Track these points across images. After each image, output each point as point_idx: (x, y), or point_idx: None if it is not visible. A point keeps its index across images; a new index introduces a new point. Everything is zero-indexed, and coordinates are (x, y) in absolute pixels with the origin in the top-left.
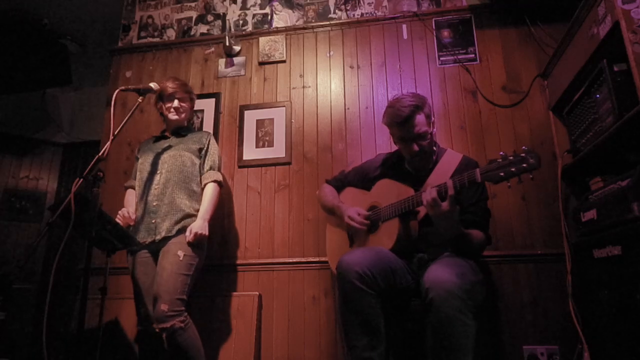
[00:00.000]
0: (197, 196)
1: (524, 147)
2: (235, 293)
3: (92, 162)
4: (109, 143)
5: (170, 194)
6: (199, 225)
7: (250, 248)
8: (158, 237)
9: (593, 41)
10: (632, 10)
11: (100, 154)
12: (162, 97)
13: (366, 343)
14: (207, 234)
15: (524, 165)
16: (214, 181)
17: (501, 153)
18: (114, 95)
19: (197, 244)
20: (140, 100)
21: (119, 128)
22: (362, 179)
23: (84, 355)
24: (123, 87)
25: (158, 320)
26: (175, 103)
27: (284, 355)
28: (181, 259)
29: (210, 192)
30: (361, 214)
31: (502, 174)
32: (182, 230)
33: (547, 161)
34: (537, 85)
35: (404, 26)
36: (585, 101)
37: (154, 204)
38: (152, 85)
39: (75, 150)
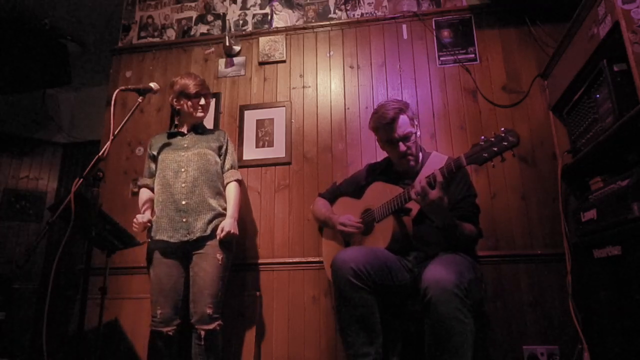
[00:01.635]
0: (222, 195)
1: (502, 128)
2: (235, 293)
3: (92, 162)
4: (109, 143)
5: (200, 192)
6: (230, 224)
7: (250, 248)
8: (192, 237)
9: (593, 41)
10: (632, 10)
11: (100, 154)
12: (188, 95)
13: (363, 339)
14: (237, 232)
15: (505, 143)
16: (236, 180)
17: (482, 137)
18: (114, 95)
19: (228, 242)
20: (140, 100)
21: (119, 128)
22: (354, 188)
23: (84, 355)
24: (123, 87)
25: (202, 321)
26: (202, 100)
27: (284, 355)
28: (220, 262)
29: (235, 191)
30: (352, 219)
31: (485, 154)
32: (215, 230)
33: (547, 161)
34: (537, 85)
35: (404, 26)
36: (585, 101)
37: (183, 202)
38: (152, 85)
39: (75, 150)
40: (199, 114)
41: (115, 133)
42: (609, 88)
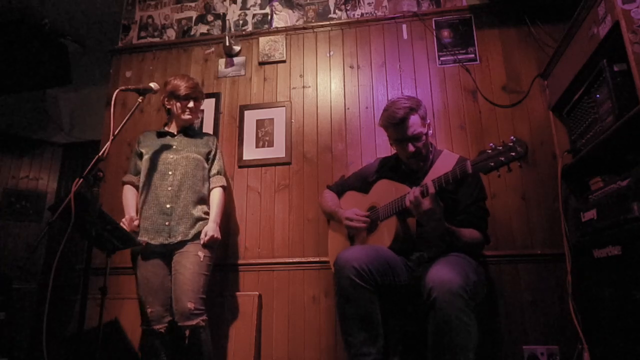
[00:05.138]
0: (206, 200)
1: (512, 137)
2: (235, 293)
3: (92, 162)
4: (109, 143)
5: (185, 197)
6: (213, 229)
7: (250, 248)
8: (173, 240)
9: (593, 41)
10: (632, 10)
11: (100, 154)
12: (177, 96)
13: (364, 338)
14: (220, 237)
15: (512, 154)
16: (221, 186)
17: (491, 144)
18: (114, 95)
19: (211, 246)
20: (140, 100)
21: (119, 128)
22: (362, 182)
23: (84, 355)
24: (123, 87)
25: (184, 317)
26: (191, 104)
27: (284, 355)
28: (202, 259)
29: (219, 196)
30: (359, 214)
31: (492, 163)
32: (198, 234)
33: (547, 161)
34: (537, 85)
35: (404, 26)
36: (585, 101)
37: (168, 205)
38: (152, 85)
39: (75, 150)
40: (186, 117)
41: (115, 133)
42: (609, 88)
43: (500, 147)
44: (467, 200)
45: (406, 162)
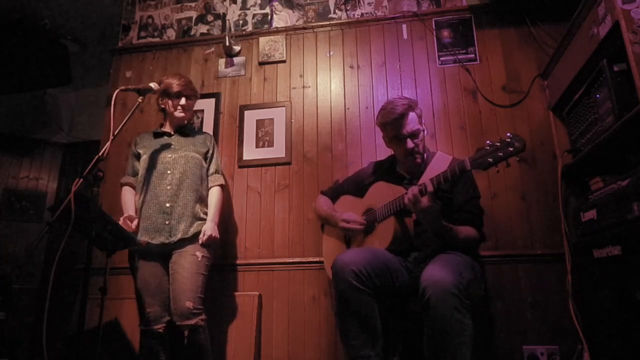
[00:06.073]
0: (205, 199)
1: (508, 133)
2: (235, 293)
3: (92, 162)
4: (109, 143)
5: (184, 196)
6: (211, 228)
7: (250, 248)
8: (173, 239)
9: (593, 41)
10: (632, 10)
11: (100, 154)
12: (169, 93)
13: (363, 341)
14: (218, 236)
15: (510, 149)
16: (219, 185)
17: (488, 142)
18: (114, 95)
19: (209, 245)
20: (140, 100)
21: (119, 128)
22: (357, 186)
23: (84, 355)
24: (123, 87)
25: (182, 316)
26: (183, 101)
27: (284, 355)
28: (199, 259)
29: (217, 195)
30: (354, 216)
31: (490, 159)
32: (197, 234)
33: (547, 161)
34: (537, 85)
35: (404, 26)
36: (585, 101)
37: (167, 205)
38: (152, 85)
39: (75, 150)
40: (179, 114)
41: (115, 133)
42: (609, 88)
43: (498, 144)
44: (462, 198)
45: (403, 160)
